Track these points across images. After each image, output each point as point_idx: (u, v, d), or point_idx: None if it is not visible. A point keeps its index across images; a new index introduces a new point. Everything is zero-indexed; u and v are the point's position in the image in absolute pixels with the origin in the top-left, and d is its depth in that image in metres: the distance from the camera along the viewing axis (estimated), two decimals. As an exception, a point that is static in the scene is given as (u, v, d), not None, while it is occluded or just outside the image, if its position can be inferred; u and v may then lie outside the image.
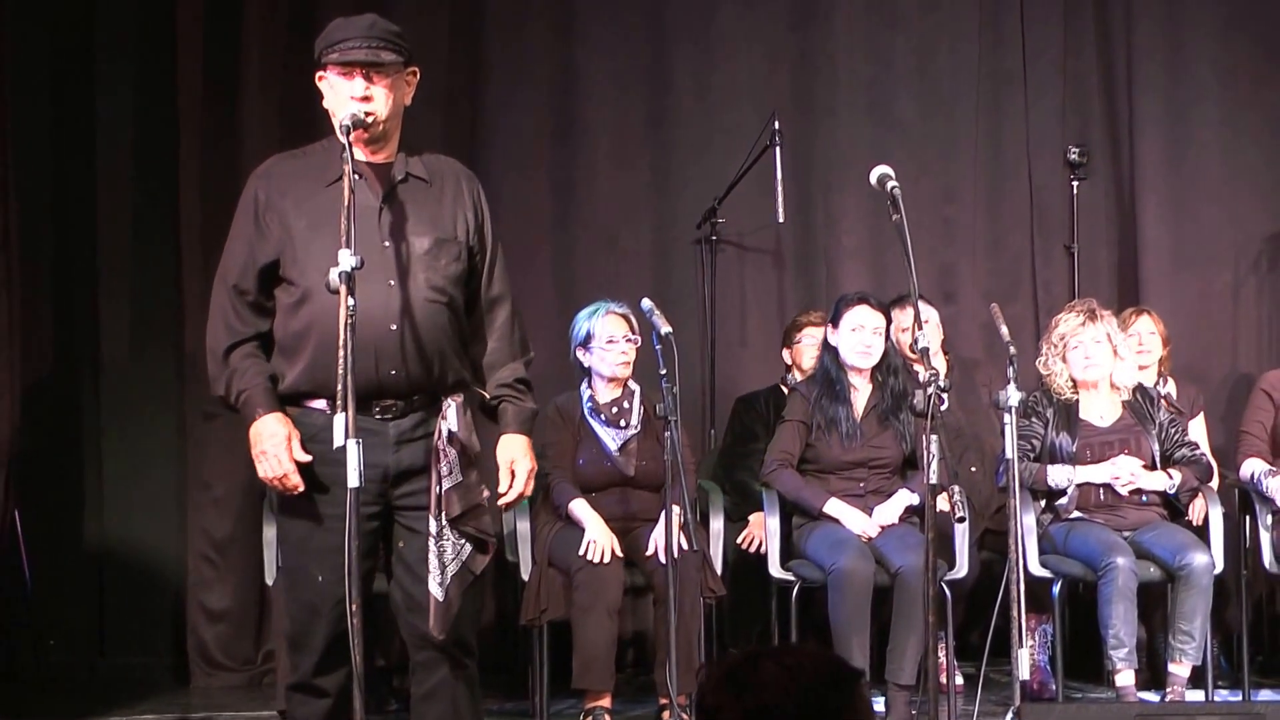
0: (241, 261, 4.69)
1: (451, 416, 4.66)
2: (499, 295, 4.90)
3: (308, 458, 4.59)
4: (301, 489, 4.60)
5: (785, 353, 7.58)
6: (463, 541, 4.67)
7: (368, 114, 4.63)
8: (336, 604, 4.54)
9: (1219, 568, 6.69)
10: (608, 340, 6.72)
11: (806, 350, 7.39)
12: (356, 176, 4.54)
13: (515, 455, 4.80)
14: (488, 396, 4.85)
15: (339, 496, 4.51)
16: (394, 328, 4.61)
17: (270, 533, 6.65)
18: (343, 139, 4.53)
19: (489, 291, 4.88)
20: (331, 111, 4.69)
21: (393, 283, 4.61)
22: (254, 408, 4.62)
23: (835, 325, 6.84)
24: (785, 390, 7.41)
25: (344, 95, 4.64)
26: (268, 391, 4.64)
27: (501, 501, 4.84)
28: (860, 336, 6.79)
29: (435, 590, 4.63)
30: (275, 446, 4.60)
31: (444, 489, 4.62)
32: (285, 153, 4.94)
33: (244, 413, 4.65)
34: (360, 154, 4.64)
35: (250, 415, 4.63)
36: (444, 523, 4.63)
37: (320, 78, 4.73)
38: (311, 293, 4.58)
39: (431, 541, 4.62)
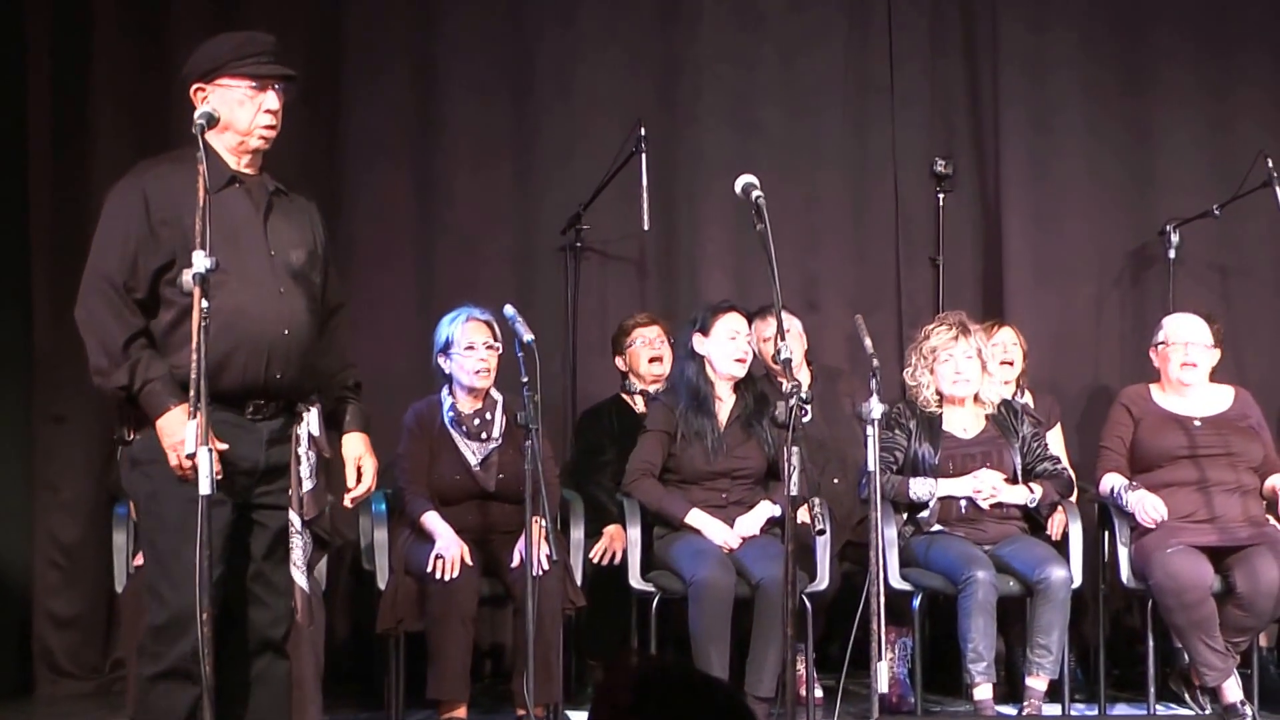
0: (130, 261, 4.73)
1: (313, 420, 4.86)
2: (338, 304, 5.12)
3: (225, 446, 4.62)
4: (221, 476, 4.59)
5: (619, 360, 7.53)
6: (310, 539, 4.85)
7: (273, 127, 4.84)
8: (216, 584, 4.60)
9: (1077, 582, 6.72)
10: (466, 347, 6.64)
11: (640, 353, 7.39)
12: (237, 185, 4.80)
13: (361, 452, 5.05)
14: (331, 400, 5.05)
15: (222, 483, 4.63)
16: (286, 333, 4.77)
17: (120, 539, 6.54)
18: (199, 137, 4.62)
19: (331, 300, 5.07)
20: (226, 121, 4.78)
21: (283, 290, 4.79)
22: (165, 399, 4.66)
23: (705, 333, 6.78)
24: (627, 399, 7.39)
25: (254, 108, 4.81)
26: (174, 383, 4.67)
27: (350, 498, 5.06)
28: (738, 343, 6.76)
29: (301, 581, 4.83)
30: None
31: (304, 491, 4.80)
32: (155, 159, 4.99)
33: (150, 402, 4.68)
34: (236, 164, 4.84)
35: (161, 406, 4.66)
36: (304, 520, 4.82)
37: (202, 88, 4.82)
38: (211, 295, 4.60)
39: (297, 536, 4.80)
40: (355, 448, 5.04)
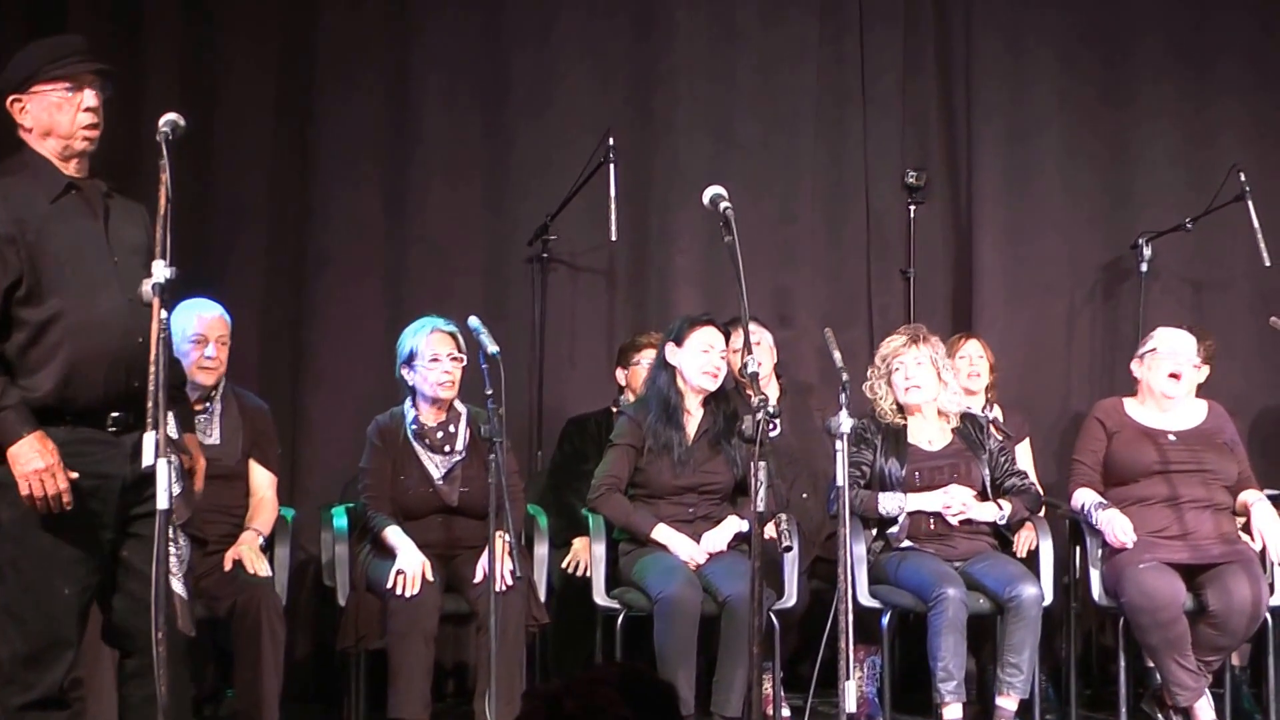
0: None
1: (171, 425, 4.74)
2: None
3: (75, 475, 4.65)
4: (71, 508, 4.63)
5: (620, 373, 7.46)
6: (186, 542, 4.80)
7: (95, 125, 4.82)
8: (80, 616, 4.72)
9: (1048, 599, 6.67)
10: (431, 358, 6.57)
11: (641, 375, 7.28)
12: (74, 192, 4.77)
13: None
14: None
15: (84, 509, 4.67)
16: (141, 341, 4.66)
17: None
18: (162, 145, 4.60)
19: None
20: (47, 127, 4.79)
21: (131, 296, 4.65)
22: (18, 426, 4.65)
23: (679, 344, 6.72)
24: (616, 412, 7.30)
25: (73, 109, 4.79)
26: (27, 411, 4.66)
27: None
28: (710, 357, 6.70)
29: (179, 588, 4.72)
30: (51, 465, 4.63)
31: (173, 496, 4.70)
32: None
33: (3, 430, 4.66)
34: (66, 170, 4.80)
35: (13, 434, 4.65)
36: (175, 525, 4.73)
37: (19, 99, 4.81)
38: (65, 312, 4.68)
39: (172, 545, 4.68)
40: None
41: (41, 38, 7.22)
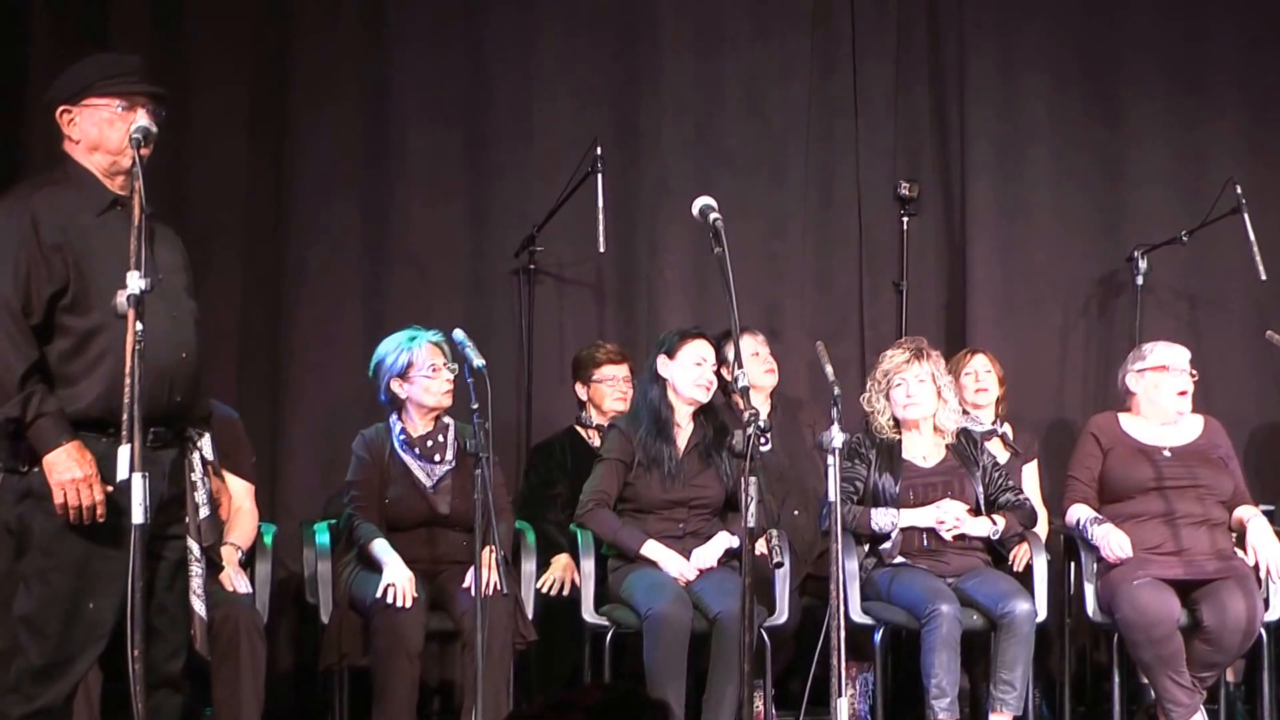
0: (23, 285, 4.67)
1: (207, 447, 4.85)
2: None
3: (110, 488, 4.60)
4: (104, 520, 4.60)
5: (580, 388, 7.36)
6: (205, 566, 4.86)
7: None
8: (106, 632, 4.65)
9: (1042, 615, 6.63)
10: (430, 368, 6.54)
11: (607, 393, 7.24)
12: (119, 208, 4.73)
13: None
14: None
15: (119, 525, 4.58)
16: (185, 355, 4.75)
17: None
18: (133, 151, 4.66)
19: None
20: (96, 142, 4.77)
21: (175, 314, 4.75)
22: (57, 434, 4.62)
23: (671, 356, 6.66)
24: (581, 431, 7.23)
25: (124, 127, 4.75)
26: (65, 419, 4.63)
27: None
28: (703, 370, 6.66)
29: (200, 610, 4.80)
30: (89, 475, 4.60)
31: (201, 518, 4.80)
32: (32, 182, 4.92)
33: (40, 437, 4.62)
34: (111, 187, 4.78)
35: (52, 441, 4.61)
36: (202, 547, 4.82)
37: (69, 110, 4.79)
38: (108, 322, 4.62)
39: (196, 564, 4.79)
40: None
41: (12, 56, 7.35)
